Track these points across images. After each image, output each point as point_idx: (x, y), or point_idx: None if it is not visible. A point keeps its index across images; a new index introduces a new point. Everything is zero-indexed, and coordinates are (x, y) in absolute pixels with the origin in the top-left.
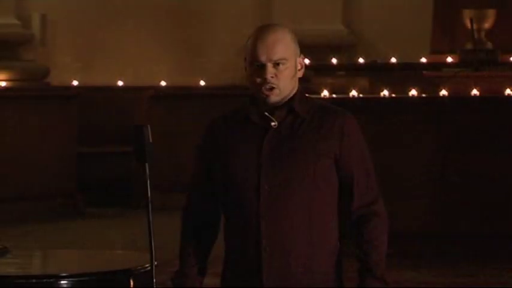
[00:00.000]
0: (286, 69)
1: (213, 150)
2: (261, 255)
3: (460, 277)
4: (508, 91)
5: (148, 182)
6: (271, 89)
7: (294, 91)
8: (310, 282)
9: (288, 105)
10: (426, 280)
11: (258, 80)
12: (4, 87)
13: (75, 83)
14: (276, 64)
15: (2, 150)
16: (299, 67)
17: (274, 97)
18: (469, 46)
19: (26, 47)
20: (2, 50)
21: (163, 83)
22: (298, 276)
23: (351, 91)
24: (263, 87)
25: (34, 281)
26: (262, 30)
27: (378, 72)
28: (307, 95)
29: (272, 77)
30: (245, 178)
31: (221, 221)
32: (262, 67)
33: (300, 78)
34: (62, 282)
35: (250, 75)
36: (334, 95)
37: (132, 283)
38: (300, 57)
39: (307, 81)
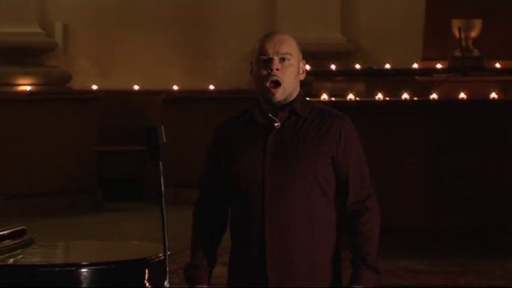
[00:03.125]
0: (290, 65)
1: (221, 151)
2: (265, 247)
3: (452, 266)
4: (493, 95)
5: (161, 178)
6: (277, 83)
7: (296, 93)
8: (310, 272)
9: (290, 106)
10: (419, 269)
11: (264, 72)
12: (29, 91)
13: (94, 87)
14: (282, 60)
15: (28, 150)
16: (301, 71)
17: (279, 95)
18: (457, 53)
19: (49, 54)
20: (28, 57)
21: (175, 87)
22: (299, 266)
23: (348, 95)
24: (269, 82)
25: (57, 269)
26: (269, 33)
27: (374, 77)
28: (307, 98)
29: (277, 69)
30: (250, 176)
31: (229, 216)
32: (269, 60)
33: (301, 83)
34: (83, 270)
35: (257, 71)
36: (333, 98)
37: (146, 271)
38: (301, 62)
39: (308, 86)
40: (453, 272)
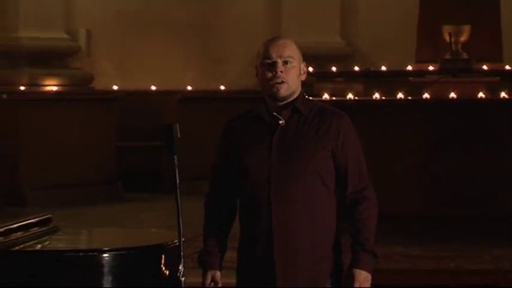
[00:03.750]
0: (293, 67)
1: (230, 147)
2: (271, 234)
3: (444, 252)
4: (480, 94)
5: (176, 171)
6: (282, 82)
7: (298, 92)
8: (312, 256)
9: (293, 105)
10: (413, 254)
11: (269, 74)
12: (55, 91)
13: (115, 87)
14: (285, 62)
15: (54, 146)
16: (302, 72)
17: (284, 91)
18: (448, 56)
19: (74, 57)
20: (54, 59)
21: (189, 88)
22: (302, 251)
23: (347, 94)
24: (274, 81)
25: (81, 254)
26: (272, 38)
27: (371, 78)
28: (309, 97)
29: (282, 71)
30: (258, 170)
31: (237, 207)
32: (273, 64)
33: (303, 83)
34: (104, 255)
35: (262, 74)
36: (333, 98)
37: (163, 256)
38: (302, 63)
39: (310, 86)
40: (445, 257)
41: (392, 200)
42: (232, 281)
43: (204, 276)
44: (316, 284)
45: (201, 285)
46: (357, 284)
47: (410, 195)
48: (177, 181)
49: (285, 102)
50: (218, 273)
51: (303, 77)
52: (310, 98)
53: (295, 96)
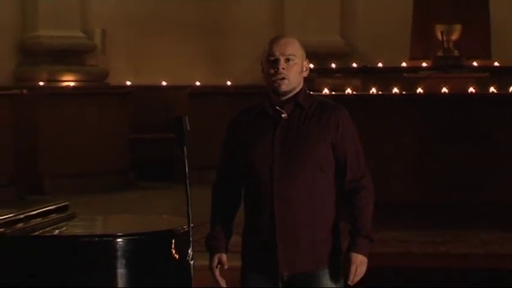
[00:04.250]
0: (295, 64)
1: (235, 140)
2: (274, 220)
3: (435, 236)
4: (470, 89)
5: (186, 161)
6: (283, 78)
7: (300, 87)
8: (313, 241)
9: (295, 100)
10: (409, 238)
11: (272, 71)
12: (72, 86)
13: (128, 83)
14: (287, 60)
15: (71, 138)
16: (304, 69)
17: (285, 86)
18: (440, 54)
19: (90, 55)
20: (71, 57)
21: (197, 83)
22: (303, 236)
23: (346, 89)
24: (276, 77)
25: (96, 239)
26: (276, 37)
27: (368, 74)
28: (310, 92)
29: (283, 68)
30: (261, 160)
31: (242, 195)
32: (276, 61)
33: (305, 79)
34: (118, 240)
35: (266, 70)
36: (333, 92)
37: (173, 241)
38: (305, 61)
39: (311, 81)
40: (436, 241)
41: (386, 188)
42: (238, 264)
43: (212, 258)
44: (316, 266)
45: (208, 267)
46: (353, 267)
47: (403, 183)
48: (187, 171)
49: (287, 97)
50: (224, 256)
51: (305, 74)
52: (311, 92)
53: (297, 91)
